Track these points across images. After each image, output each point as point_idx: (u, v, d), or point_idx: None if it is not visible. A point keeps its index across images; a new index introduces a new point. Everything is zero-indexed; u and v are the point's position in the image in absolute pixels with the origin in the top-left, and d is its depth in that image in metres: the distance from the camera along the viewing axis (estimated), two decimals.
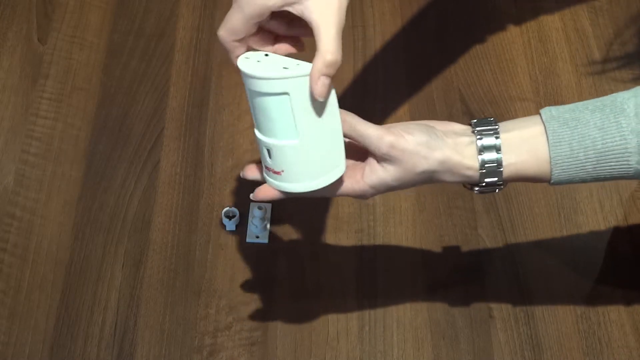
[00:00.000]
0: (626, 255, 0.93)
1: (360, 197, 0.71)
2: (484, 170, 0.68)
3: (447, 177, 0.69)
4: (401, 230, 0.94)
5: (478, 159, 0.67)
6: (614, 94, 0.68)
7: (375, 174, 0.68)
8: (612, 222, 0.95)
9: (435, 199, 0.96)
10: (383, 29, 1.11)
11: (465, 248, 0.93)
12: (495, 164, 0.67)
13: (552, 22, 1.12)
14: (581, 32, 1.11)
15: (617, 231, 0.95)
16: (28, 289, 0.89)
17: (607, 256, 0.93)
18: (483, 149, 0.67)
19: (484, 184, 0.69)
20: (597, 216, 0.95)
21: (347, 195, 0.71)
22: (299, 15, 0.64)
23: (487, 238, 0.94)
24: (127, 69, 1.06)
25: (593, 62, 1.08)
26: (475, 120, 0.69)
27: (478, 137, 0.68)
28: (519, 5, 1.13)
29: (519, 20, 1.12)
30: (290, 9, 0.64)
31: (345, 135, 0.68)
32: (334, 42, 0.63)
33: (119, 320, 0.88)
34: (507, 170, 0.68)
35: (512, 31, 1.11)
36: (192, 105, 1.03)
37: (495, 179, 0.68)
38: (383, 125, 0.68)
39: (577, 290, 0.91)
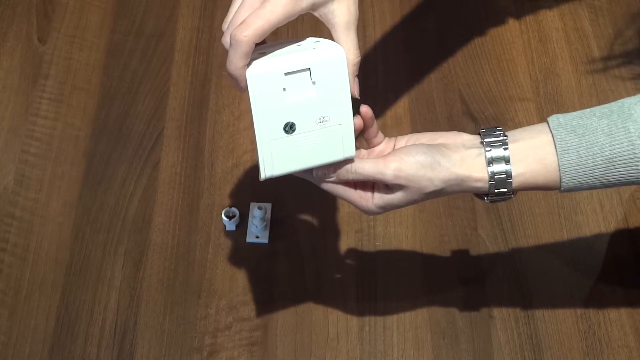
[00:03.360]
0: (626, 255, 0.93)
1: (367, 214, 0.72)
2: (493, 182, 0.68)
3: (457, 191, 0.69)
4: (401, 230, 0.94)
5: (487, 170, 0.67)
6: (621, 100, 0.68)
7: (382, 198, 0.69)
8: (612, 222, 0.95)
9: (435, 199, 0.96)
10: (383, 29, 1.11)
11: (465, 248, 0.93)
12: (505, 175, 0.67)
13: (552, 22, 1.12)
14: (581, 32, 1.11)
15: (617, 231, 0.95)
16: (28, 289, 0.89)
17: (607, 256, 0.93)
18: (492, 161, 0.67)
19: (494, 194, 0.69)
20: (597, 216, 0.95)
21: (354, 206, 0.71)
22: (320, 18, 0.66)
23: (487, 238, 0.94)
24: (127, 69, 1.06)
25: (593, 62, 1.08)
26: (483, 130, 0.69)
27: (487, 148, 0.68)
28: (519, 5, 1.13)
29: (519, 20, 1.12)
30: (313, 12, 0.66)
31: (346, 180, 0.69)
32: (355, 44, 0.66)
33: (119, 320, 0.88)
34: (516, 180, 0.68)
35: (512, 31, 1.11)
36: (192, 105, 1.03)
37: (505, 189, 0.68)
38: (381, 157, 0.68)
39: (577, 290, 0.91)
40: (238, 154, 1.00)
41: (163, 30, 1.10)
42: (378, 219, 0.95)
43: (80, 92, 1.04)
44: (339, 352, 0.86)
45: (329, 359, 0.86)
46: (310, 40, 0.67)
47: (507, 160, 0.67)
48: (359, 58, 0.66)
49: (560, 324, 0.88)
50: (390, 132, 1.00)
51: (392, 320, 0.88)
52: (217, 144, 1.00)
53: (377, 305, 0.89)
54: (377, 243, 0.93)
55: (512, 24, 1.12)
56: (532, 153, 0.68)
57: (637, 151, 0.65)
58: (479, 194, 0.71)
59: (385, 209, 0.70)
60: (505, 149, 0.67)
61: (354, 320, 0.88)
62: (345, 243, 0.93)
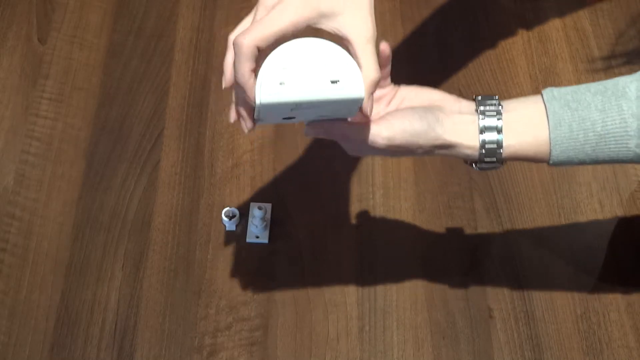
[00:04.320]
0: (626, 256, 0.93)
1: (349, 153, 0.72)
2: (483, 151, 0.68)
3: (446, 155, 0.69)
4: (401, 230, 0.94)
5: (479, 138, 0.67)
6: (616, 78, 0.68)
7: (370, 152, 0.69)
8: (612, 222, 0.95)
9: (435, 199, 0.96)
10: (383, 29, 1.11)
11: (465, 248, 0.93)
12: (495, 146, 0.67)
13: (552, 22, 1.12)
14: (581, 32, 1.11)
15: (617, 231, 0.95)
16: (28, 289, 0.89)
17: (607, 256, 0.93)
18: (484, 129, 0.67)
19: (482, 162, 0.69)
20: (597, 216, 0.95)
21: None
22: (331, 32, 0.64)
23: (487, 238, 0.94)
24: (127, 69, 1.06)
25: (593, 62, 1.08)
26: (479, 98, 0.69)
27: (480, 117, 0.68)
28: (519, 5, 1.13)
29: (519, 20, 1.12)
30: (322, 25, 0.64)
31: (339, 138, 0.69)
32: (375, 59, 0.64)
33: (119, 320, 0.88)
34: (506, 151, 0.68)
35: (512, 31, 1.11)
36: (192, 105, 1.03)
37: (494, 159, 0.68)
38: (374, 123, 0.67)
39: (577, 290, 0.91)
40: (238, 154, 1.00)
41: (163, 30, 1.10)
42: (378, 219, 0.95)
43: (80, 92, 1.04)
44: (339, 352, 0.86)
45: (329, 359, 0.86)
46: (339, 56, 0.62)
47: (499, 130, 0.67)
48: (379, 74, 0.64)
49: (560, 324, 0.88)
50: None
51: (392, 320, 0.88)
52: (217, 144, 1.00)
53: (377, 305, 0.89)
54: (377, 243, 0.93)
55: (512, 24, 1.12)
56: (524, 124, 0.68)
57: (628, 129, 0.65)
58: (467, 161, 0.71)
59: (371, 155, 0.71)
60: (499, 119, 0.67)
61: (354, 320, 0.88)
62: (345, 243, 0.93)
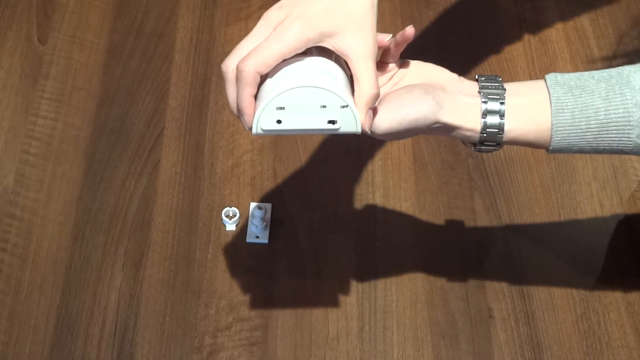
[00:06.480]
0: (626, 256, 0.93)
1: None
2: (484, 134, 0.67)
3: (445, 135, 0.69)
4: (401, 230, 0.94)
5: (480, 121, 0.67)
6: (621, 67, 0.67)
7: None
8: (612, 222, 0.95)
9: (435, 199, 0.96)
10: (383, 29, 1.11)
11: (465, 248, 0.93)
12: (497, 130, 0.67)
13: (552, 22, 1.12)
14: (581, 32, 1.11)
15: (617, 231, 0.95)
16: (28, 289, 0.89)
17: (607, 256, 0.93)
18: (487, 113, 0.67)
19: (481, 144, 0.69)
20: (597, 216, 0.95)
21: None
22: (334, 49, 0.65)
23: (487, 238, 0.94)
24: (127, 69, 1.06)
25: (593, 62, 1.08)
26: (482, 78, 0.69)
27: (483, 100, 0.67)
28: (519, 5, 1.14)
29: (519, 20, 1.12)
30: (324, 44, 0.65)
31: None
32: (375, 76, 0.65)
33: (119, 320, 0.88)
34: (507, 135, 0.67)
35: (512, 31, 1.11)
36: (192, 105, 1.04)
37: (494, 142, 0.68)
38: (375, 112, 0.67)
39: (577, 290, 0.91)
40: (238, 154, 1.00)
41: (163, 30, 1.10)
42: (378, 219, 0.95)
43: (80, 92, 1.04)
44: (339, 352, 0.86)
45: (329, 359, 0.86)
46: (337, 88, 0.63)
47: (502, 115, 0.67)
48: (378, 90, 0.65)
49: (560, 324, 0.88)
50: None
51: (392, 320, 0.88)
52: (217, 144, 1.00)
53: (377, 305, 0.89)
54: (377, 243, 0.93)
55: (512, 24, 1.12)
56: (527, 109, 0.67)
57: (631, 119, 0.64)
58: (465, 142, 0.71)
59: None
60: (502, 103, 0.67)
61: (354, 320, 0.88)
62: (345, 243, 0.93)
